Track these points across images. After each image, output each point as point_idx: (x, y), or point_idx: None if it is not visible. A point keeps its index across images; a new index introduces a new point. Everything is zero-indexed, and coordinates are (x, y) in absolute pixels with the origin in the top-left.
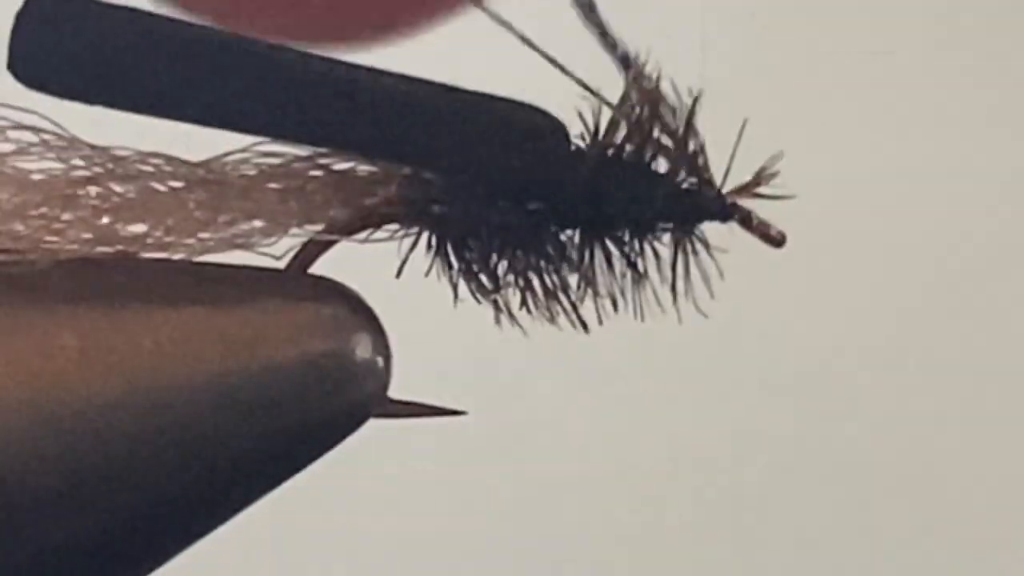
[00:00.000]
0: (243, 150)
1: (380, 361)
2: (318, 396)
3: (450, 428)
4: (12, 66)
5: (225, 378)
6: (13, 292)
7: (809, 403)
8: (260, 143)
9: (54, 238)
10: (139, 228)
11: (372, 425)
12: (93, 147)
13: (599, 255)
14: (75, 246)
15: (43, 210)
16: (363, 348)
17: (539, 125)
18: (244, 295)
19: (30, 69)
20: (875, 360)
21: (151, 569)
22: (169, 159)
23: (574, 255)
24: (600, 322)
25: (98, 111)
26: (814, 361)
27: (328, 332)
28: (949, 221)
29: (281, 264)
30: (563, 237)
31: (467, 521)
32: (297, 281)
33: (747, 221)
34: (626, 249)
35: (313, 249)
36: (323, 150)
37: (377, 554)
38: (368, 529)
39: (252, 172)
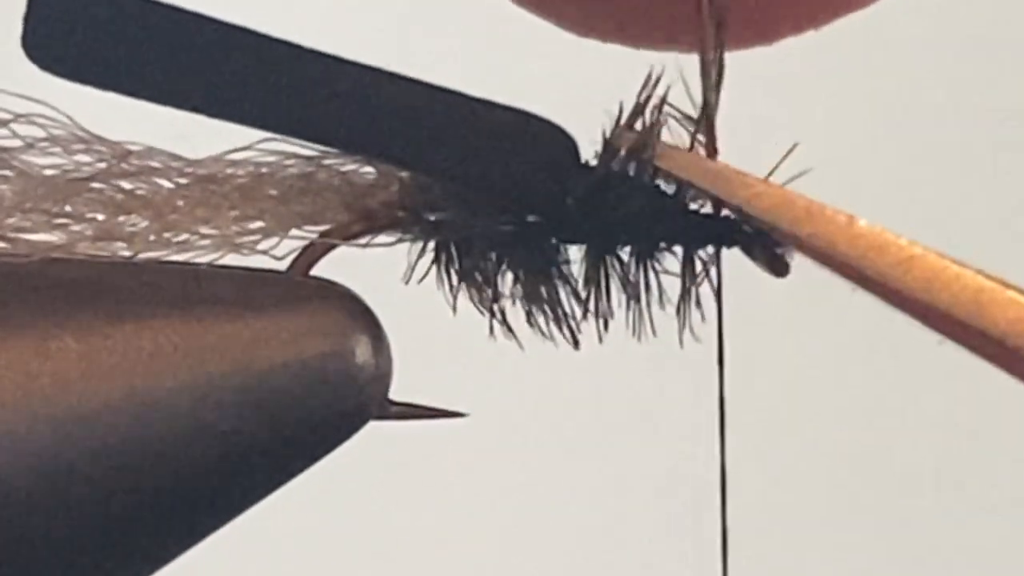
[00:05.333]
0: (246, 148)
1: (380, 363)
2: (318, 398)
3: (450, 430)
4: (26, 47)
5: (225, 380)
6: (12, 291)
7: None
8: (264, 141)
9: (55, 233)
10: (140, 225)
11: (372, 427)
12: (100, 141)
13: (599, 273)
14: (75, 242)
15: (45, 205)
16: (363, 350)
17: (546, 137)
18: (244, 296)
19: (44, 51)
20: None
21: (150, 571)
22: (172, 156)
23: (573, 271)
24: (600, 340)
25: (103, 107)
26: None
27: (329, 334)
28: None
29: (282, 266)
30: (564, 252)
31: (467, 523)
32: (298, 283)
33: (750, 248)
34: (627, 270)
35: (314, 251)
36: (327, 149)
37: (377, 556)
38: (368, 531)
39: (254, 171)
